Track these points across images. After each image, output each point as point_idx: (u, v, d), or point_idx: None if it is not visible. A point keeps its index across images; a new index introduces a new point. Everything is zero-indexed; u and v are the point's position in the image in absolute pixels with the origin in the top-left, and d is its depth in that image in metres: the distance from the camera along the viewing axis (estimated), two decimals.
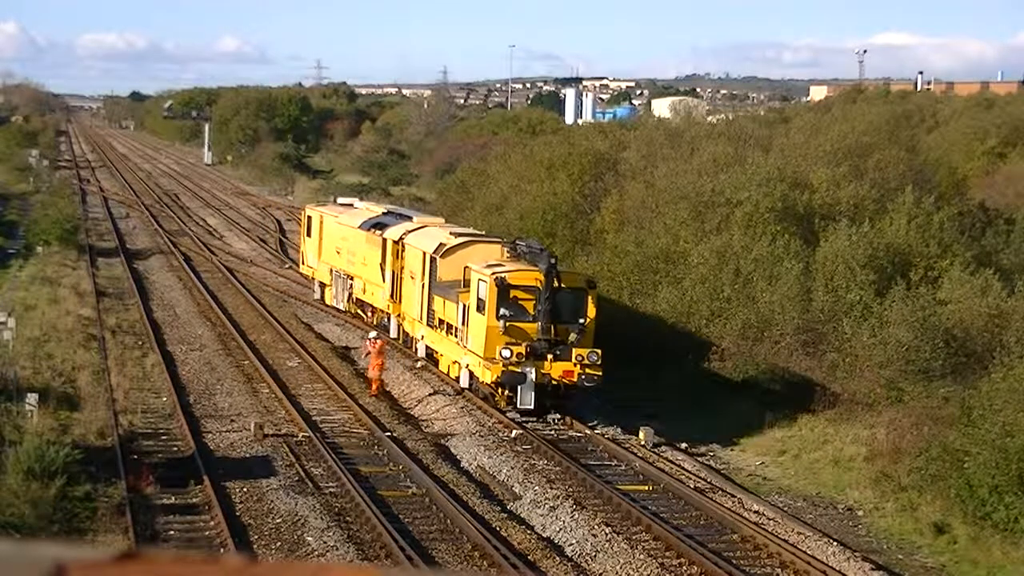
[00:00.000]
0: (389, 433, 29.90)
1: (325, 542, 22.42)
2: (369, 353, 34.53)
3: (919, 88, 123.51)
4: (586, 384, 30.51)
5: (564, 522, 24.01)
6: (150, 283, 52.24)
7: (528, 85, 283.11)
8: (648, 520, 23.95)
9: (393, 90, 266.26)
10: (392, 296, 38.54)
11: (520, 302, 30.91)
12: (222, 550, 21.97)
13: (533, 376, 30.34)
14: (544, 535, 23.59)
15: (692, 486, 26.75)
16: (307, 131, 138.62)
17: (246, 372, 36.12)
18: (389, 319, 39.52)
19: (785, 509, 26.19)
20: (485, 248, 34.39)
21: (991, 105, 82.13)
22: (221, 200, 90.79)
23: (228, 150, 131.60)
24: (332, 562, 20.57)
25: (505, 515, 24.62)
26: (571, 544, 23.11)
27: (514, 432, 29.92)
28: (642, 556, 22.44)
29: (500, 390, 31.09)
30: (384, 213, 43.08)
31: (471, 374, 31.94)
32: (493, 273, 30.82)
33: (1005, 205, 49.69)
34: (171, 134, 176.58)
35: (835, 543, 23.63)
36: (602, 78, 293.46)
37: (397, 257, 38.11)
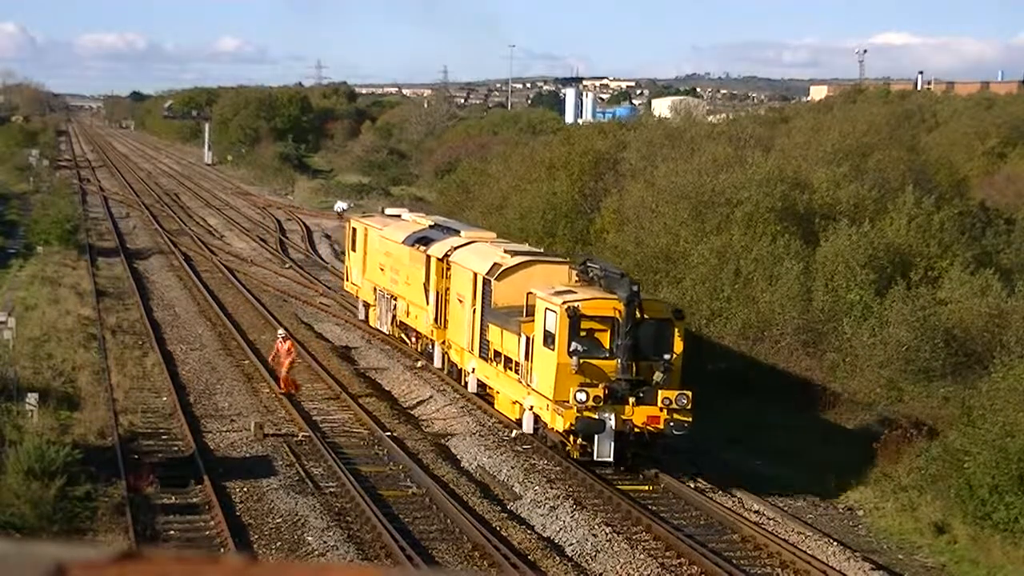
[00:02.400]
0: (389, 433, 29.90)
1: (325, 542, 22.42)
2: (278, 353, 33.32)
3: (919, 88, 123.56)
4: (675, 432, 26.15)
5: (564, 522, 24.02)
6: (150, 283, 52.23)
7: (528, 85, 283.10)
8: (648, 520, 23.94)
9: (393, 90, 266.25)
10: (436, 321, 34.73)
11: (595, 335, 26.74)
12: (222, 550, 21.98)
13: (613, 423, 26.03)
14: (544, 535, 23.59)
15: (692, 486, 26.75)
16: (307, 131, 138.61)
17: (246, 372, 36.12)
18: (433, 346, 35.73)
19: (785, 509, 26.19)
20: (547, 270, 30.41)
21: (991, 105, 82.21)
22: (221, 200, 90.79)
23: (228, 150, 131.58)
24: (332, 562, 20.57)
25: (505, 515, 24.62)
26: (571, 544, 23.12)
27: (514, 432, 29.91)
28: (642, 556, 22.44)
29: (572, 438, 26.70)
30: (430, 226, 38.81)
31: (537, 418, 27.82)
32: (564, 302, 26.55)
33: (1005, 205, 49.73)
34: (171, 134, 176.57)
35: (835, 543, 23.63)
36: (602, 78, 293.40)
37: (442, 277, 34.30)
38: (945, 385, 31.20)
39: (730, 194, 39.73)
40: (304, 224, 74.65)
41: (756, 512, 25.52)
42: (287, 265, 57.87)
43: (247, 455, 27.86)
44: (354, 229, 44.03)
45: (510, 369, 29.22)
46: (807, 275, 36.23)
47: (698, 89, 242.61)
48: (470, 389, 32.38)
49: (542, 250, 34.95)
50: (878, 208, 39.68)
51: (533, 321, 27.73)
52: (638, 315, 26.38)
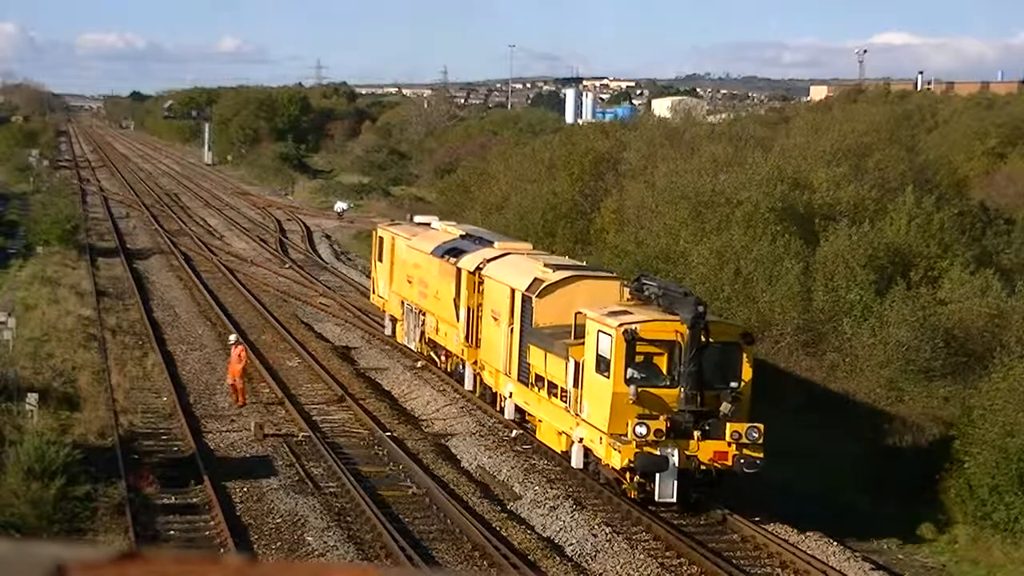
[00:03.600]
0: (389, 433, 29.90)
1: (325, 542, 22.43)
2: (231, 359, 32.35)
3: (919, 88, 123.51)
4: (746, 470, 23.62)
5: (564, 522, 24.02)
6: (150, 283, 52.23)
7: (528, 85, 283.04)
8: (648, 520, 23.93)
9: (393, 90, 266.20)
10: (467, 339, 32.29)
11: (652, 361, 24.26)
12: (222, 550, 21.98)
13: (676, 459, 23.53)
14: (544, 535, 23.60)
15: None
16: (307, 131, 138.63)
17: (246, 372, 36.08)
18: (463, 367, 33.26)
19: (784, 508, 26.17)
20: (594, 286, 27.81)
21: (991, 105, 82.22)
22: (221, 200, 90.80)
23: (228, 150, 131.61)
24: (332, 562, 20.57)
25: (505, 515, 24.63)
26: (571, 544, 23.12)
27: (514, 432, 29.90)
28: (642, 556, 22.44)
29: (630, 476, 24.21)
30: (461, 236, 36.14)
31: (587, 452, 25.20)
32: (620, 324, 23.93)
33: (1005, 205, 49.73)
34: (171, 134, 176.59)
35: (835, 543, 23.62)
36: (602, 78, 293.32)
37: (473, 291, 31.90)
38: (945, 385, 31.21)
39: (730, 194, 39.74)
40: (304, 224, 74.66)
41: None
42: (287, 265, 57.88)
43: (247, 455, 27.87)
44: (381, 238, 41.58)
45: (555, 396, 26.55)
46: (807, 275, 36.23)
47: (698, 89, 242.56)
48: (506, 415, 29.76)
49: (584, 263, 32.34)
50: (878, 208, 39.70)
51: (583, 344, 25.02)
52: (704, 338, 23.77)
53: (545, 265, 29.31)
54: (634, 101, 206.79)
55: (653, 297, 25.44)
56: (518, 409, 29.32)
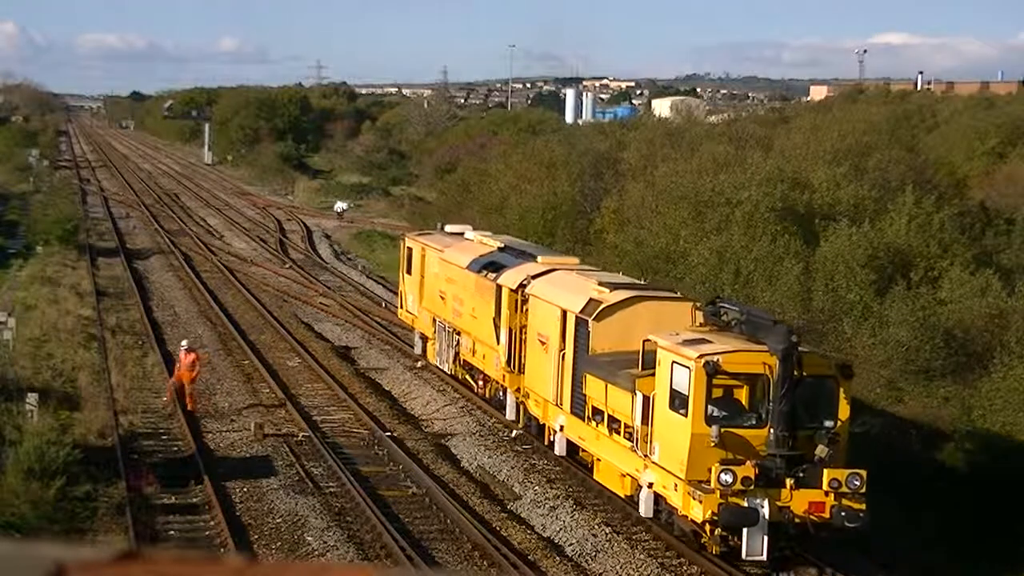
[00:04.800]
0: (389, 433, 29.90)
1: (325, 542, 22.44)
2: (181, 364, 31.26)
3: (919, 88, 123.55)
4: (847, 523, 20.89)
5: (564, 522, 24.02)
6: (150, 283, 52.24)
7: (528, 85, 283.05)
8: (648, 520, 23.90)
9: (393, 90, 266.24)
10: (509, 364, 29.62)
11: (733, 396, 21.68)
12: (222, 550, 21.98)
13: (767, 511, 20.71)
14: (544, 535, 23.60)
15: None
16: (307, 131, 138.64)
17: (246, 372, 36.12)
18: (505, 394, 30.44)
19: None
20: (658, 308, 25.05)
21: (991, 105, 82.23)
22: (221, 200, 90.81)
23: (228, 150, 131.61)
24: (332, 562, 20.57)
25: (505, 515, 24.64)
26: (571, 544, 23.12)
27: (514, 432, 29.88)
28: (642, 556, 22.43)
29: (711, 529, 21.31)
30: (500, 249, 33.27)
31: (659, 499, 22.52)
32: (700, 355, 21.24)
33: (1005, 205, 49.70)
34: (171, 134, 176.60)
35: (835, 541, 23.58)
36: (602, 78, 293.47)
37: (516, 311, 29.40)
38: (945, 385, 31.20)
39: (730, 194, 39.74)
40: (304, 224, 74.66)
41: None
42: (287, 265, 57.88)
43: (247, 455, 27.88)
44: (409, 249, 38.57)
45: (617, 432, 23.73)
46: (807, 275, 36.22)
47: (698, 89, 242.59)
48: (557, 451, 26.89)
49: (642, 281, 29.63)
50: (878, 208, 39.69)
51: (653, 376, 22.32)
52: (797, 372, 21.05)
53: (600, 284, 26.39)
54: (634, 101, 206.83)
55: (733, 323, 22.67)
56: (571, 445, 26.41)
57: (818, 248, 37.29)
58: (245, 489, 25.35)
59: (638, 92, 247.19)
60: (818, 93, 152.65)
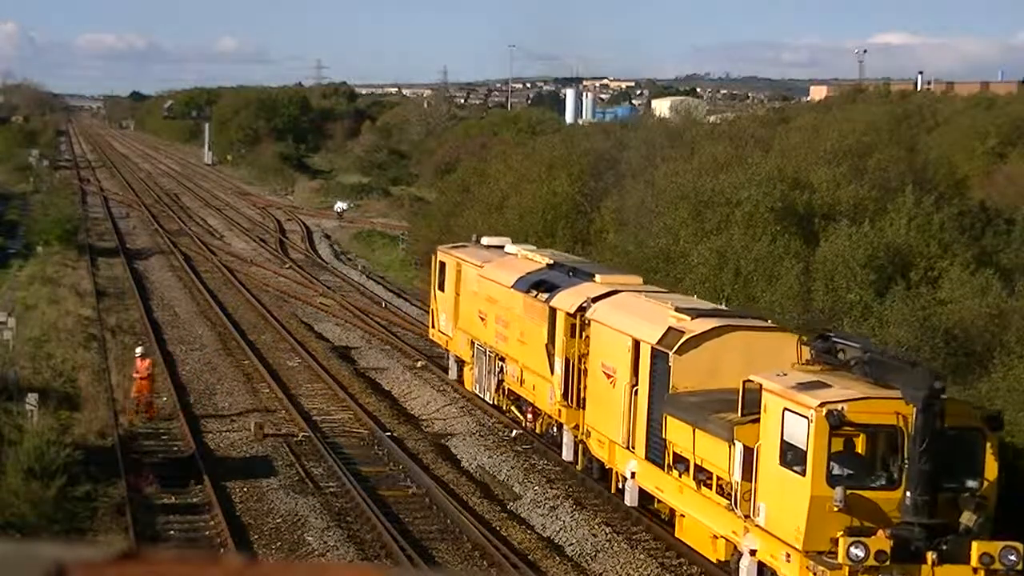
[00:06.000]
0: (389, 433, 29.90)
1: (325, 542, 22.45)
2: (137, 370, 30.58)
3: (919, 88, 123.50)
4: None
5: (564, 522, 24.02)
6: (150, 283, 52.26)
7: (528, 85, 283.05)
8: (648, 520, 23.92)
9: (393, 90, 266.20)
10: (566, 397, 26.47)
11: (855, 449, 18.52)
12: (222, 550, 21.99)
13: None
14: (544, 535, 23.60)
15: None
16: (307, 131, 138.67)
17: (246, 372, 36.13)
18: (560, 431, 27.30)
19: None
20: (752, 340, 22.07)
21: (991, 105, 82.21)
22: (221, 200, 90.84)
23: (228, 150, 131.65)
24: (332, 562, 20.58)
25: (505, 515, 24.65)
26: (571, 544, 23.12)
27: (514, 432, 29.87)
28: (642, 556, 22.44)
29: None
30: (549, 266, 30.19)
31: (763, 569, 19.35)
32: (822, 402, 18.05)
33: (1005, 205, 49.67)
34: (171, 134, 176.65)
35: None
36: (602, 78, 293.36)
37: (573, 336, 26.26)
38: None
39: (730, 194, 39.73)
40: (304, 224, 74.68)
41: None
42: (287, 265, 57.89)
43: (247, 455, 27.89)
44: (442, 263, 35.67)
45: (708, 486, 20.71)
46: (807, 275, 36.22)
47: (698, 89, 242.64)
48: (627, 501, 23.71)
49: (723, 306, 26.04)
50: (878, 208, 39.68)
51: (756, 423, 19.27)
52: (939, 424, 17.80)
53: (677, 310, 23.28)
54: (634, 101, 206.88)
55: (854, 362, 19.31)
56: (645, 495, 23.39)
57: (818, 248, 37.28)
58: (245, 489, 25.37)
59: (638, 92, 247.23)
60: (818, 93, 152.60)
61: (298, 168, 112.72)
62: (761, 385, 19.18)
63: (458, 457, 28.70)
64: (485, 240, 35.44)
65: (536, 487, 26.05)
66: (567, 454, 26.84)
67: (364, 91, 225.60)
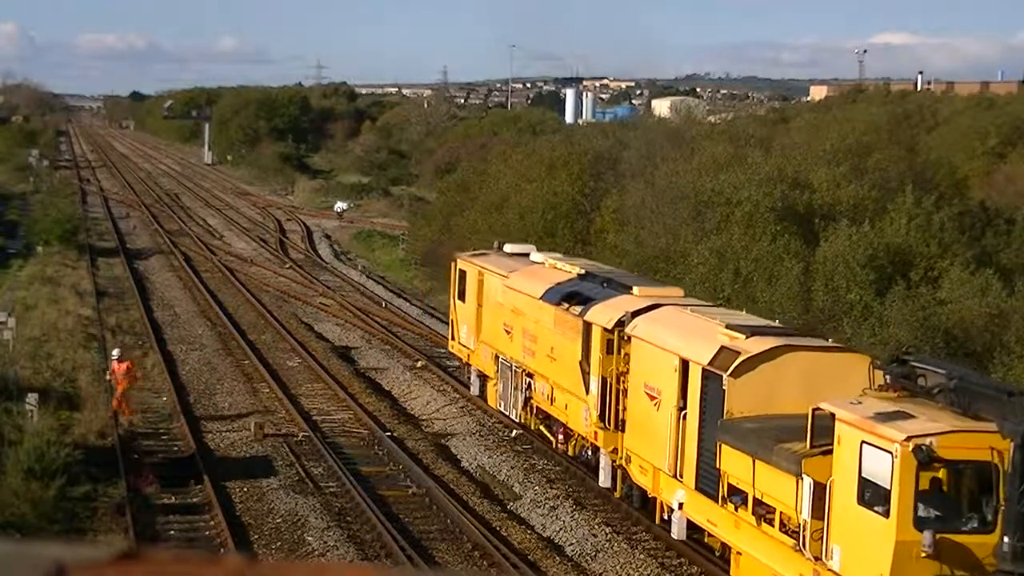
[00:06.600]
0: (389, 433, 29.90)
1: (325, 542, 22.46)
2: (114, 374, 30.02)
3: (919, 88, 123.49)
4: None
5: (564, 522, 24.02)
6: (150, 283, 52.26)
7: (528, 85, 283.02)
8: (648, 520, 23.91)
9: (393, 90, 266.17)
10: (603, 419, 24.70)
11: (942, 488, 16.76)
12: (222, 550, 21.99)
13: None
14: (544, 535, 23.61)
15: None
16: (307, 131, 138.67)
17: (246, 372, 36.13)
18: (597, 454, 25.50)
19: None
20: (815, 361, 20.26)
21: (991, 105, 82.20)
22: (221, 200, 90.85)
23: (228, 150, 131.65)
24: (332, 562, 20.58)
25: (505, 515, 24.65)
26: (571, 544, 23.12)
27: (514, 432, 29.86)
28: (642, 556, 22.44)
29: None
30: (580, 276, 28.20)
31: None
32: (908, 436, 16.30)
33: (1005, 205, 49.68)
34: (171, 134, 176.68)
35: None
36: (602, 78, 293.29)
37: (611, 353, 24.49)
38: None
39: (730, 194, 39.73)
40: (304, 224, 74.69)
41: None
42: (287, 265, 57.90)
43: (247, 455, 27.89)
44: (462, 272, 33.73)
45: (770, 523, 18.95)
46: (807, 275, 36.22)
47: (698, 89, 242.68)
48: (675, 534, 22.05)
49: (777, 323, 23.58)
50: (878, 208, 39.68)
51: (828, 455, 17.47)
52: None
53: (728, 327, 21.30)
54: (634, 101, 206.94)
55: (937, 390, 17.32)
56: (693, 527, 21.72)
57: (818, 248, 37.28)
58: (245, 489, 25.37)
59: (638, 92, 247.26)
60: (818, 93, 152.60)
61: (298, 168, 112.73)
62: (834, 414, 17.32)
63: (458, 457, 28.71)
64: (508, 247, 33.85)
65: (536, 487, 26.05)
66: (604, 480, 25.06)
67: (364, 91, 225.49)
